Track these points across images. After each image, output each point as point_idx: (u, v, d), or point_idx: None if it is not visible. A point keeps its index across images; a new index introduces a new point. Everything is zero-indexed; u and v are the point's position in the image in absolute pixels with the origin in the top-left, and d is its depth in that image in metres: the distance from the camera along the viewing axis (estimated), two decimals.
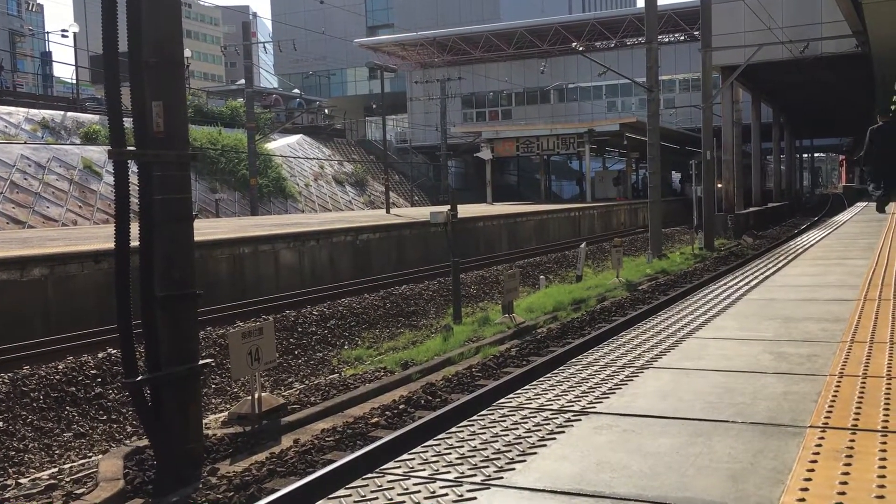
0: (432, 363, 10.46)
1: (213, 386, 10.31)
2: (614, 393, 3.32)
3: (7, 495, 6.36)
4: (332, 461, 6.48)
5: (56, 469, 7.26)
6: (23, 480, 7.19)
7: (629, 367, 3.81)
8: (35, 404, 8.75)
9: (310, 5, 55.93)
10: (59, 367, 9.59)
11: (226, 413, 8.21)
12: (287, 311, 14.18)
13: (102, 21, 6.18)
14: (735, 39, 29.54)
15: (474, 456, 2.53)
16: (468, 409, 7.74)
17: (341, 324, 14.17)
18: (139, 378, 6.15)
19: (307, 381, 10.83)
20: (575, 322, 13.24)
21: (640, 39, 51.73)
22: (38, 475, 7.34)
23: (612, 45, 57.95)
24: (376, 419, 7.82)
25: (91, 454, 7.96)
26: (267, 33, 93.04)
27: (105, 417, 9.08)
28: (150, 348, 6.32)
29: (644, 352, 4.17)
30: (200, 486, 6.12)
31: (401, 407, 8.25)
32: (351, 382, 9.64)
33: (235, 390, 10.29)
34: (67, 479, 6.56)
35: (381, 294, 16.55)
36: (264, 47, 64.86)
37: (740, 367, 3.72)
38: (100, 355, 10.20)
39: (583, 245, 20.52)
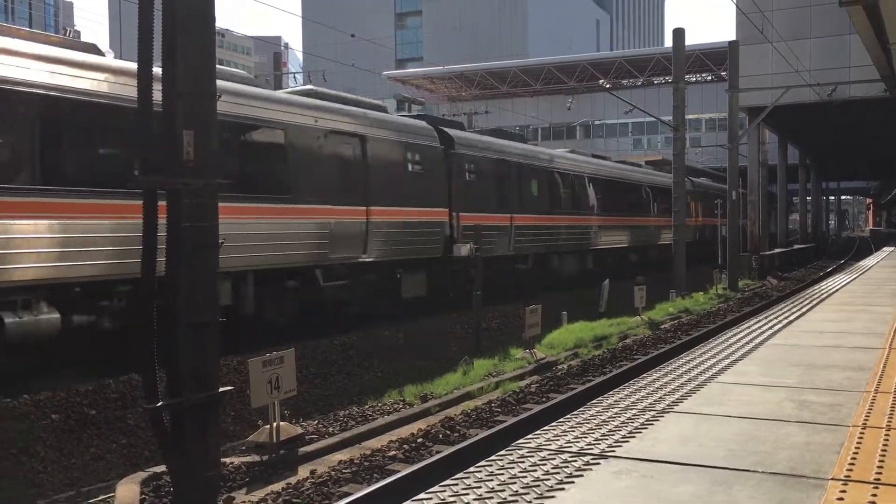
0: (451, 397, 10.41)
1: (232, 413, 10.34)
2: (634, 437, 3.30)
3: None
4: (348, 494, 6.46)
5: (74, 492, 7.29)
6: (40, 503, 7.24)
7: (650, 410, 3.79)
8: (56, 425, 8.81)
9: (340, 37, 56.79)
10: (81, 389, 9.66)
11: (243, 441, 8.22)
12: (307, 341, 14.20)
13: (138, 50, 6.31)
14: (762, 81, 29.57)
15: (492, 497, 2.53)
16: (487, 445, 7.69)
17: (361, 354, 14.16)
18: (160, 404, 6.18)
19: (326, 411, 10.81)
20: (596, 359, 13.15)
21: (667, 78, 51.86)
22: (56, 497, 7.39)
23: (640, 83, 58.19)
24: (394, 452, 7.79)
25: (109, 478, 7.99)
26: (298, 64, 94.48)
27: (124, 441, 9.12)
28: (171, 374, 6.35)
29: (665, 395, 4.15)
30: None
31: (419, 440, 8.22)
32: (369, 414, 9.62)
33: (253, 418, 10.30)
34: (85, 503, 6.58)
35: (402, 325, 16.52)
36: (294, 77, 65.79)
37: (762, 415, 3.69)
38: (121, 379, 10.25)
39: (606, 282, 20.44)
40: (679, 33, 24.52)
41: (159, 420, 6.18)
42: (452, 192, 17.85)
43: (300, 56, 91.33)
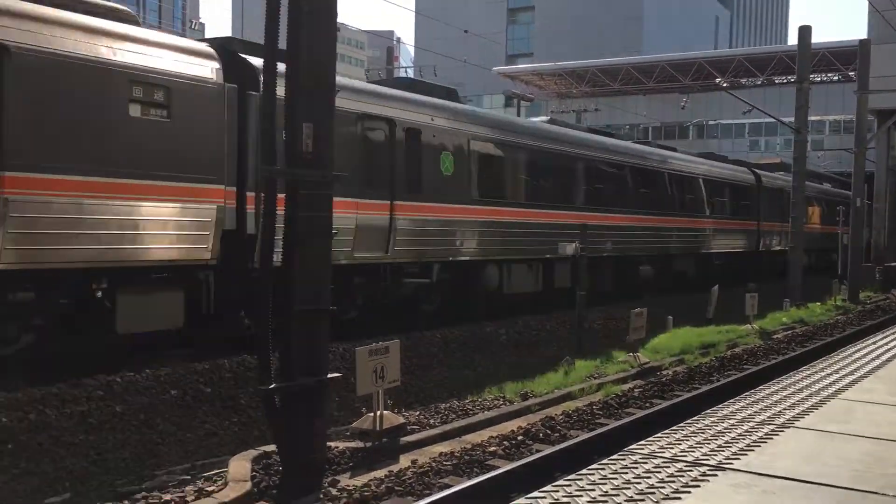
0: (552, 396, 10.35)
1: (337, 399, 10.59)
2: (752, 450, 3.20)
3: (145, 485, 6.75)
4: (449, 486, 6.52)
5: (189, 465, 7.64)
6: (158, 472, 7.63)
7: (768, 424, 3.65)
8: (174, 400, 9.25)
9: (452, 32, 57.11)
10: (198, 367, 10.10)
11: (347, 426, 8.42)
12: (411, 332, 14.38)
13: (265, 45, 6.54)
14: (894, 82, 27.96)
15: (606, 501, 2.50)
16: (588, 448, 7.61)
17: (462, 349, 14.25)
18: (272, 386, 6.40)
19: (426, 403, 10.94)
20: (703, 367, 12.80)
21: (789, 78, 49.81)
22: (172, 468, 7.77)
23: (759, 83, 56.12)
24: (494, 448, 7.80)
25: (221, 453, 8.34)
26: (409, 58, 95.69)
27: (235, 419, 9.49)
28: (283, 359, 6.57)
29: (784, 409, 3.99)
30: (322, 496, 6.29)
31: (519, 438, 8.20)
32: (469, 408, 9.67)
33: (357, 405, 10.52)
34: (200, 476, 6.89)
35: (504, 322, 16.51)
36: (405, 71, 66.66)
37: (892, 436, 3.50)
38: (235, 359, 10.67)
39: (715, 287, 19.84)
40: (805, 31, 23.49)
41: (271, 401, 6.41)
42: (250, 157, 10.83)
43: (412, 51, 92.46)
